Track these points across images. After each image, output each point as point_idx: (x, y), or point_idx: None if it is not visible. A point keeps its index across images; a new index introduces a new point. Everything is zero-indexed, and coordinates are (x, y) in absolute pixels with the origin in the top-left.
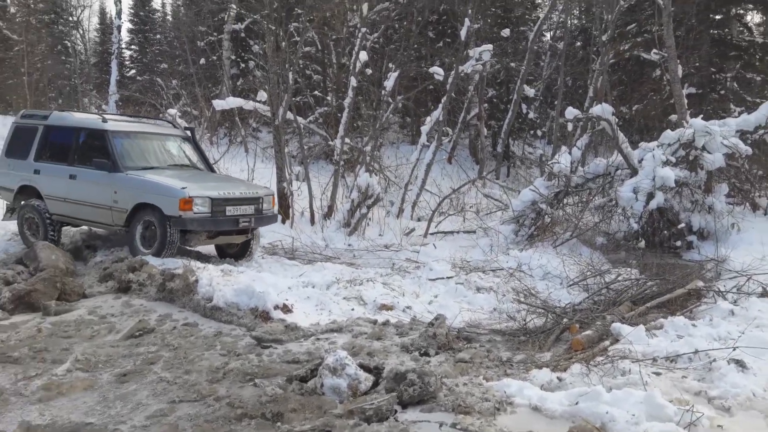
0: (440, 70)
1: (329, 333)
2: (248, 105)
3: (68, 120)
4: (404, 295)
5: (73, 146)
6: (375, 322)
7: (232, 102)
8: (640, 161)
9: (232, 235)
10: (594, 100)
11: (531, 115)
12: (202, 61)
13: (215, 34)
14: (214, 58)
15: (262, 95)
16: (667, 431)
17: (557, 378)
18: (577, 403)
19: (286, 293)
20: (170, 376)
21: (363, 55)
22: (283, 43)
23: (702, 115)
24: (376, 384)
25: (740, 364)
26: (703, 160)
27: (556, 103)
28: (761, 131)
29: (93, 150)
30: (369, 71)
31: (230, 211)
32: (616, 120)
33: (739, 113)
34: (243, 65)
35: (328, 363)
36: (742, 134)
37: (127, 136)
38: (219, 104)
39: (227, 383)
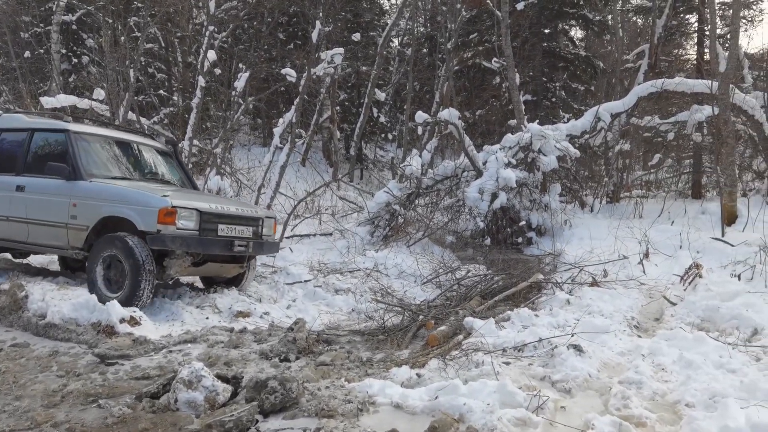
0: (293, 72)
1: (183, 344)
2: (83, 103)
3: (19, 121)
4: (261, 300)
5: (22, 152)
6: (231, 330)
7: (63, 99)
8: (484, 163)
9: (222, 264)
10: (440, 105)
11: (382, 118)
12: (27, 54)
13: (42, 25)
14: (41, 51)
15: (100, 93)
16: (519, 416)
17: (416, 374)
18: (436, 398)
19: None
20: None
21: (211, 55)
22: (122, 38)
23: (537, 121)
24: (235, 395)
25: (578, 348)
26: (540, 161)
27: (405, 107)
28: (586, 136)
29: (49, 156)
30: (218, 71)
31: (223, 230)
32: (462, 124)
33: (568, 119)
34: (75, 60)
35: (182, 376)
36: (571, 138)
37: (94, 141)
38: (48, 102)
39: (66, 407)
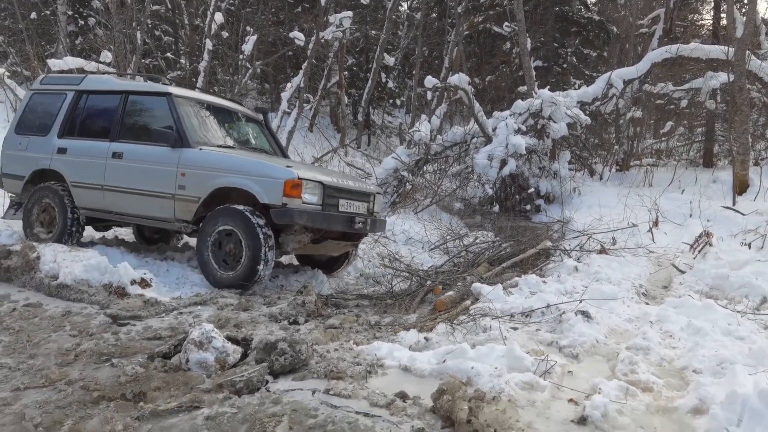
0: (301, 36)
1: (193, 306)
2: (90, 66)
3: (109, 84)
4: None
5: (116, 117)
6: (241, 293)
7: (71, 62)
8: (494, 130)
9: (339, 241)
10: (450, 71)
11: (390, 84)
12: (33, 15)
13: None
14: (48, 12)
15: (107, 56)
16: (526, 380)
17: (424, 338)
18: (444, 361)
19: (144, 267)
20: (12, 362)
21: (219, 17)
22: (129, 0)
23: (548, 87)
24: (245, 356)
25: (585, 314)
26: (550, 128)
27: (414, 72)
28: (597, 103)
29: (148, 121)
30: (225, 34)
31: (344, 206)
32: (472, 90)
33: (579, 86)
34: (82, 22)
35: (193, 337)
36: (582, 105)
37: (195, 106)
38: (56, 64)
39: (80, 366)
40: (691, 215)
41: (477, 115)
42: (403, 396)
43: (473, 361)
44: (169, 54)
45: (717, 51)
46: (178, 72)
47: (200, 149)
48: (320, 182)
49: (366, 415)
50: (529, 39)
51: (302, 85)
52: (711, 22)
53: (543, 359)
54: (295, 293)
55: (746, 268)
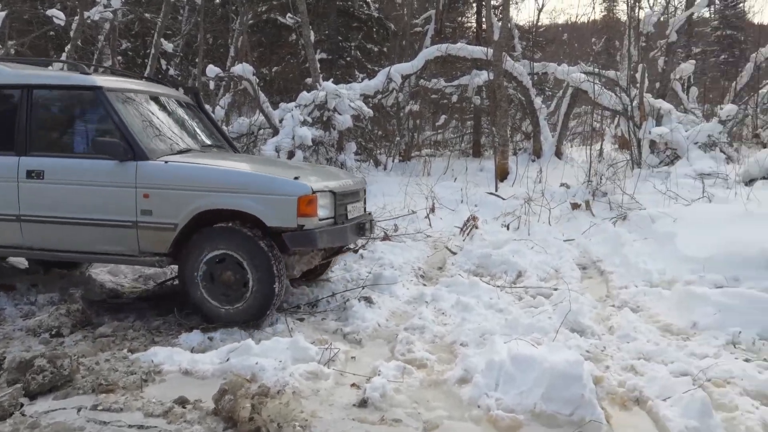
0: (61, 14)
1: None
2: None
3: (15, 77)
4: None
5: (20, 122)
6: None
7: None
8: (280, 121)
9: (340, 253)
10: (235, 60)
11: (171, 71)
12: None
13: None
14: None
15: None
16: (310, 370)
17: (208, 338)
18: (228, 360)
19: None
20: None
21: None
22: None
23: (332, 79)
24: None
25: (368, 300)
26: (335, 120)
27: (197, 60)
28: (379, 96)
29: (76, 126)
30: None
31: (351, 212)
32: (257, 80)
33: (362, 79)
34: None
35: None
36: (365, 98)
37: (136, 101)
38: None
39: None
40: (462, 201)
41: (262, 105)
42: (182, 402)
43: (258, 357)
44: None
45: (478, 51)
46: None
47: (165, 161)
48: (331, 191)
49: (140, 427)
50: (312, 32)
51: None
52: (475, 24)
53: (327, 348)
54: (58, 302)
55: (505, 247)
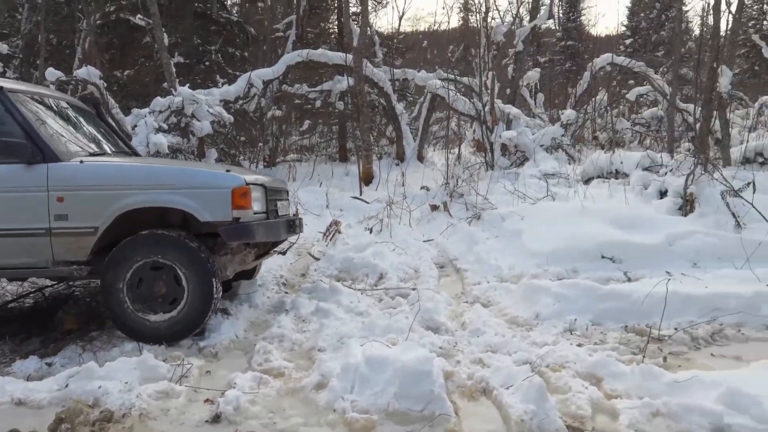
0: None
1: None
2: None
3: None
4: None
5: None
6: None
7: None
8: (133, 128)
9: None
10: (84, 63)
11: (10, 74)
12: None
13: None
14: None
15: None
16: (160, 389)
17: (46, 364)
18: (67, 386)
19: None
20: None
21: None
22: None
23: (189, 84)
24: None
25: (225, 312)
26: (193, 126)
27: (39, 62)
28: (240, 101)
29: None
30: None
31: (281, 209)
32: (105, 84)
33: (224, 84)
34: None
35: None
36: (226, 104)
37: (37, 102)
38: None
39: None
40: (327, 206)
41: (112, 111)
42: None
43: (102, 380)
44: None
45: (339, 58)
46: None
47: (80, 161)
48: (263, 185)
49: None
50: (166, 34)
51: None
52: (336, 30)
53: (179, 364)
54: None
55: (368, 250)
